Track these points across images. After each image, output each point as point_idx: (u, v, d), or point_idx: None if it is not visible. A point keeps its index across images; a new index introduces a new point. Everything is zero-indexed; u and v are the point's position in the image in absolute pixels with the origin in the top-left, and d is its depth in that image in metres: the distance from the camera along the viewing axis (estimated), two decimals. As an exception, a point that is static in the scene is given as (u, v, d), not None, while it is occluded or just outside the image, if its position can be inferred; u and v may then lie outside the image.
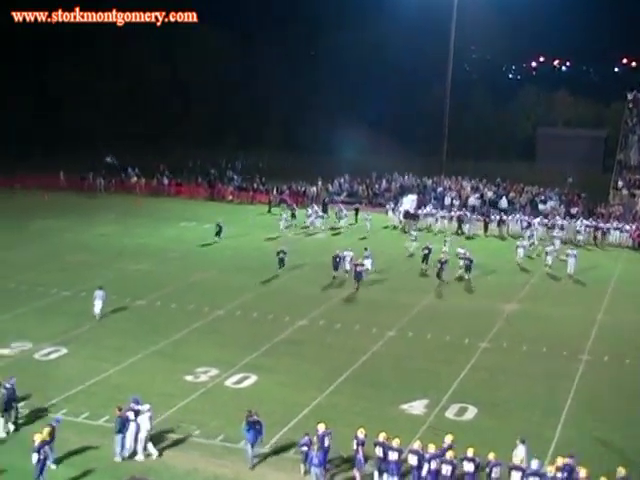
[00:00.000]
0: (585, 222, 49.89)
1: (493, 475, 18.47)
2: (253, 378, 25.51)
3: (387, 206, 54.71)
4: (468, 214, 52.28)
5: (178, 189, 63.07)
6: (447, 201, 55.77)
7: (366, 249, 39.18)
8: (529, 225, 49.42)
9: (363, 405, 23.73)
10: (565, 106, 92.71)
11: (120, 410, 20.32)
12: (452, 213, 52.67)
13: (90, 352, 27.48)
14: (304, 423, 21.81)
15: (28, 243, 44.13)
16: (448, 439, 19.26)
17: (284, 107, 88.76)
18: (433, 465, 18.58)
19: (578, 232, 48.79)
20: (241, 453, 20.37)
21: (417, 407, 23.66)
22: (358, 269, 36.41)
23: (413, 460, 18.90)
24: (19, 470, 19.17)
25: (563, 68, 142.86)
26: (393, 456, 18.90)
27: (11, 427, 21.42)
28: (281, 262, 38.63)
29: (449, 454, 18.68)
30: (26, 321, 30.59)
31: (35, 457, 18.33)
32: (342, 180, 62.96)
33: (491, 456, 18.64)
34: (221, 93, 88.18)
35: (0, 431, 21.21)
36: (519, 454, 18.97)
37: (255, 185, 62.24)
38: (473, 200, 55.77)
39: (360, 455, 19.36)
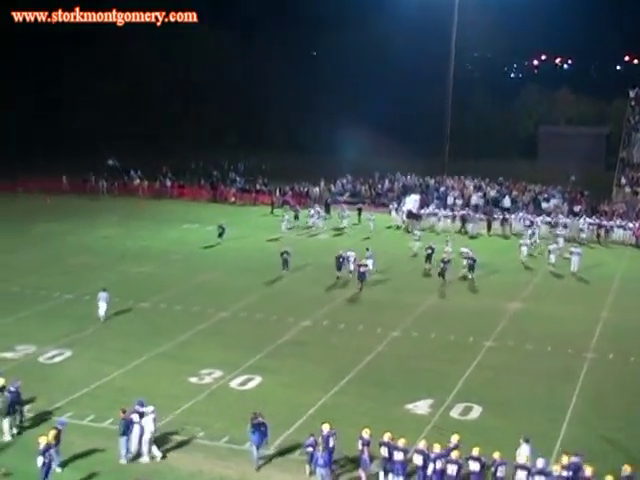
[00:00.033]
0: (588, 220, 49.82)
1: (499, 474, 18.43)
2: (258, 379, 25.46)
3: (390, 206, 54.58)
4: (471, 213, 52.23)
5: (181, 191, 63.00)
6: (450, 200, 55.70)
7: (368, 249, 39.14)
8: (532, 223, 49.37)
9: (368, 405, 23.66)
10: (567, 104, 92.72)
11: (124, 412, 20.28)
12: (455, 212, 52.60)
13: (94, 355, 27.46)
14: (309, 424, 21.75)
15: (30, 246, 44.08)
16: (454, 439, 19.20)
17: (285, 107, 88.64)
18: (438, 465, 18.53)
19: (581, 230, 48.77)
20: (246, 455, 20.33)
21: (422, 407, 23.60)
22: (361, 269, 36.40)
23: (418, 460, 18.84)
24: (24, 473, 19.11)
25: (565, 66, 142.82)
26: (398, 456, 18.85)
27: (14, 430, 21.40)
28: (285, 263, 38.62)
29: (454, 454, 18.64)
30: (29, 324, 30.57)
31: (40, 460, 18.27)
32: (345, 180, 62.93)
33: (496, 455, 18.59)
34: (221, 93, 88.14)
35: (5, 434, 21.21)
36: (523, 453, 18.90)
37: (258, 186, 62.23)
38: (476, 199, 55.71)
39: (365, 455, 19.33)
